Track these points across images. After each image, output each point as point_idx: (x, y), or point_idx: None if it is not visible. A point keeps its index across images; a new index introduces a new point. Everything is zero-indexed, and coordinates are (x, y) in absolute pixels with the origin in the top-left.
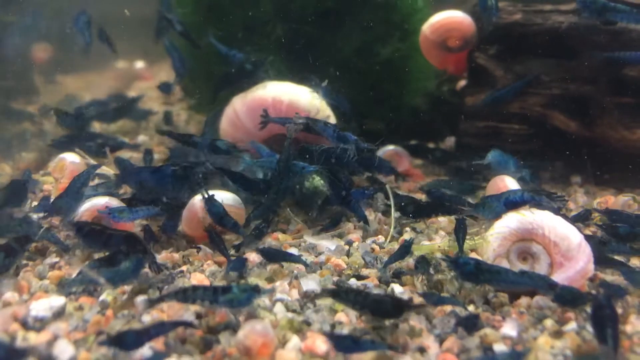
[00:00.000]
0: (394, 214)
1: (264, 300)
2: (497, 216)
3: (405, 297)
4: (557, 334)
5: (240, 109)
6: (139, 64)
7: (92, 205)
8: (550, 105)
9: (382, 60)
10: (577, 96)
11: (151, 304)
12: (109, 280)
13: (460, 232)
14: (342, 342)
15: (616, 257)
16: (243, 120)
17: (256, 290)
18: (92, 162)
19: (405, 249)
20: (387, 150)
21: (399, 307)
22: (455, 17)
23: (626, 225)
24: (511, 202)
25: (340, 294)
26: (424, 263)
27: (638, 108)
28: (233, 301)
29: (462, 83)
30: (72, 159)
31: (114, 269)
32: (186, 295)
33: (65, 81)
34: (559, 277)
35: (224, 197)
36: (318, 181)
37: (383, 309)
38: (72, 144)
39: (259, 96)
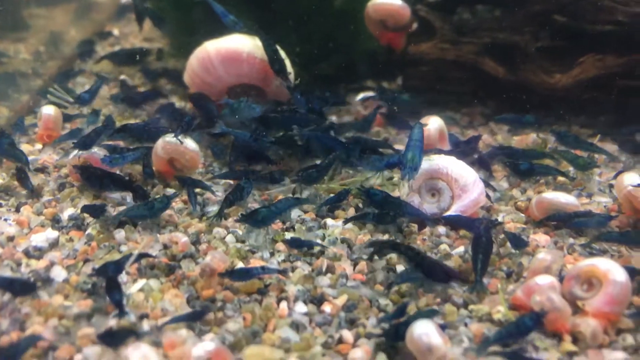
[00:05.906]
0: None
1: (219, 232)
2: (377, 171)
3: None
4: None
5: (215, 57)
6: None
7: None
8: (482, 52)
9: (337, 10)
10: (504, 44)
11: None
12: (142, 216)
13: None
14: (235, 275)
15: None
16: (217, 67)
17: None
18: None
19: (342, 195)
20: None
21: None
22: (394, 4)
23: (526, 162)
24: (390, 164)
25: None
26: None
27: (557, 53)
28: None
29: (413, 28)
30: (46, 111)
31: (147, 206)
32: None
33: (50, 14)
34: (458, 204)
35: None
36: None
37: None
38: None
39: (235, 49)
